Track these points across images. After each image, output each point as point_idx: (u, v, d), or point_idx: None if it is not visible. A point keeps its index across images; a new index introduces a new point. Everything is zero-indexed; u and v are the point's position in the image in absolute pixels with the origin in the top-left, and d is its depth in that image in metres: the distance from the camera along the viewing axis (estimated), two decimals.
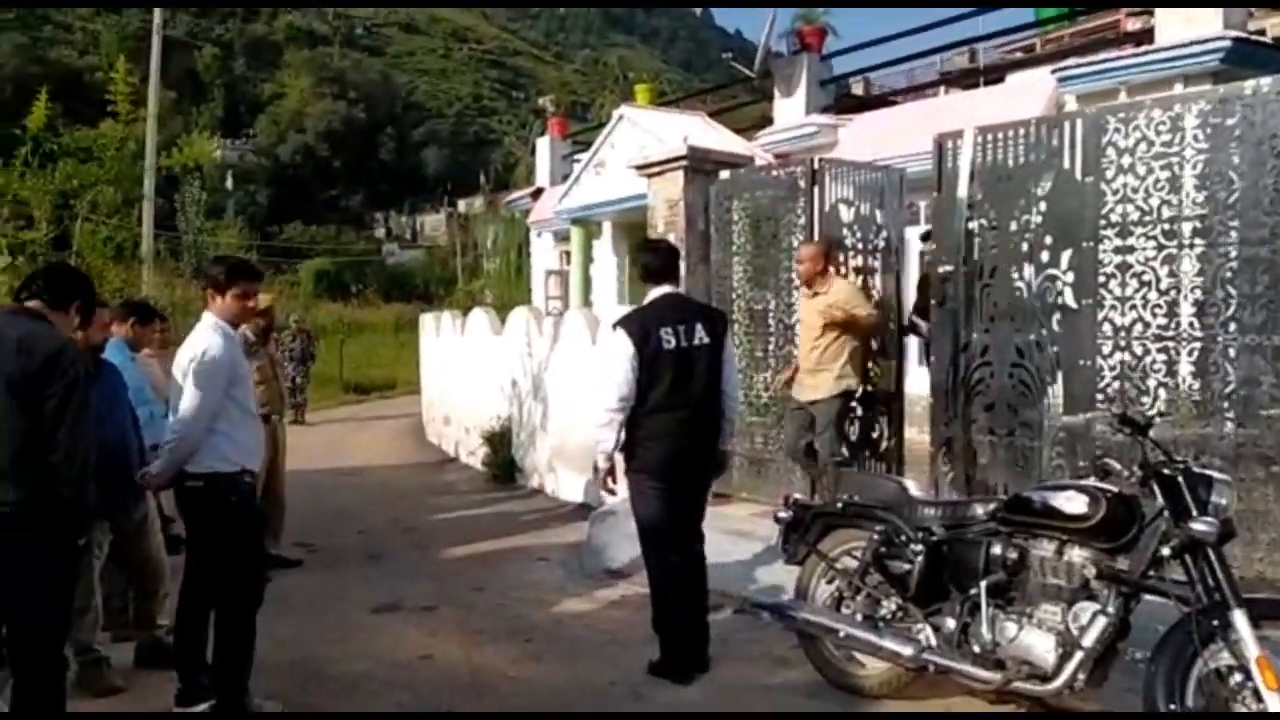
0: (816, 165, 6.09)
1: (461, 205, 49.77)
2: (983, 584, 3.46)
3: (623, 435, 4.26)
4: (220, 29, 71.01)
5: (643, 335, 4.18)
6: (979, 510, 3.65)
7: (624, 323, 4.30)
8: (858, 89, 14.39)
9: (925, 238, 5.97)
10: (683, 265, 6.66)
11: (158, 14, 12.56)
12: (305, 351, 15.80)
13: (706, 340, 4.29)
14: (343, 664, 4.54)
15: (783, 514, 4.21)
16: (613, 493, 4.43)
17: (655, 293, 4.42)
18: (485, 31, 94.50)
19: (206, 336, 3.80)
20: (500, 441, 9.58)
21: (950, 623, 3.57)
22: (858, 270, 6.24)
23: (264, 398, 6.40)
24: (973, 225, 5.07)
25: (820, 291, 5.66)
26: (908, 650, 3.59)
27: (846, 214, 6.17)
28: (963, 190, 5.05)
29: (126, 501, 4.19)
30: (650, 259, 4.50)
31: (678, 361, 4.22)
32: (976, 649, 3.46)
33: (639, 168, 6.98)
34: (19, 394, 2.99)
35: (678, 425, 4.24)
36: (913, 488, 3.95)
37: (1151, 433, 3.30)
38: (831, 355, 5.62)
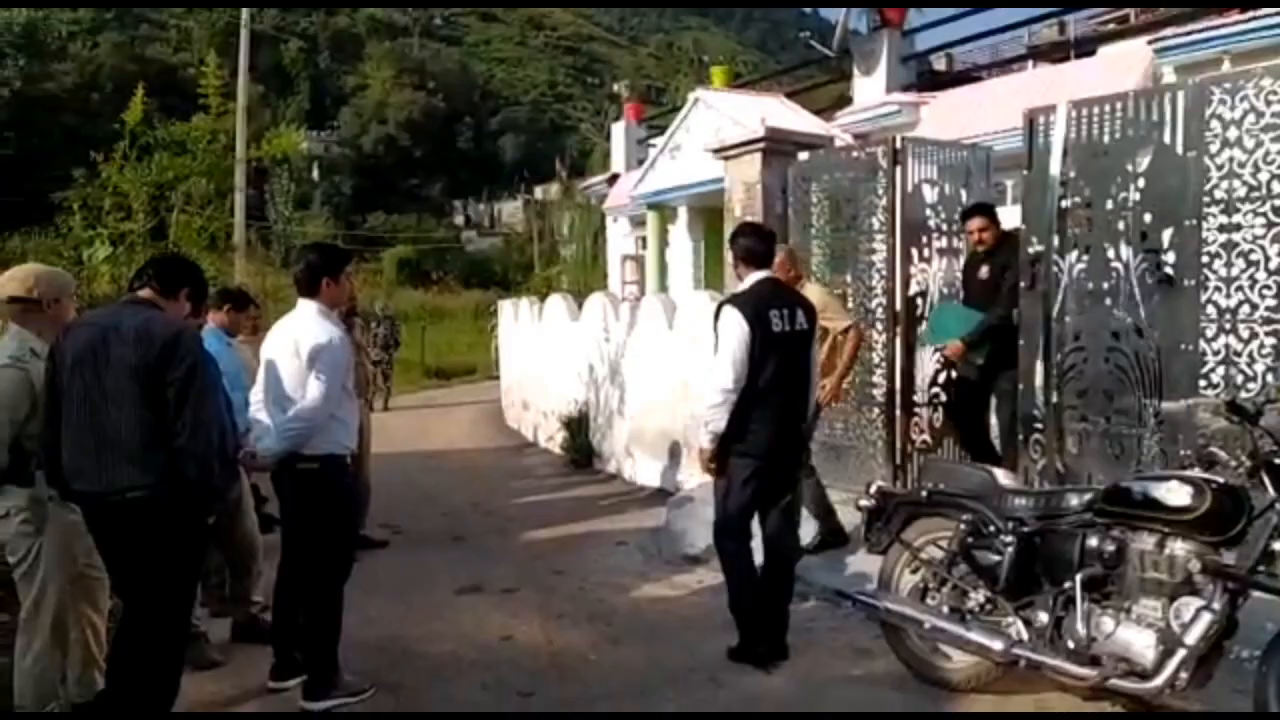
0: (899, 144, 5.94)
1: (538, 192, 50.12)
2: (1078, 577, 3.34)
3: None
4: (305, 22, 72.85)
5: (756, 316, 4.13)
6: (1074, 500, 3.52)
7: (736, 303, 4.20)
8: (939, 65, 14.00)
9: (967, 215, 5.67)
10: None
11: (245, 10, 12.94)
12: (390, 338, 15.73)
13: (805, 326, 4.30)
14: (428, 643, 4.64)
15: (865, 502, 4.13)
16: (717, 475, 4.28)
17: (756, 276, 4.33)
18: (560, 18, 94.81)
19: (325, 325, 3.87)
20: (578, 426, 9.65)
21: (1043, 616, 3.46)
22: (941, 252, 6.08)
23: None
24: (1065, 204, 4.88)
25: None
26: (997, 644, 3.49)
27: (930, 194, 6.01)
28: (1055, 168, 4.86)
29: (225, 482, 4.32)
30: (754, 243, 4.41)
31: (784, 345, 4.21)
32: (1071, 644, 3.34)
33: (715, 151, 6.92)
34: (141, 382, 3.08)
35: (780, 410, 4.25)
36: (1002, 477, 3.83)
37: (1262, 421, 3.13)
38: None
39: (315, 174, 54.23)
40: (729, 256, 6.48)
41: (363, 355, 7.00)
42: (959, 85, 11.02)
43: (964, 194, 6.06)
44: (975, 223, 5.54)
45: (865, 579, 4.57)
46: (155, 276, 3.40)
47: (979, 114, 8.74)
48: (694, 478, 7.05)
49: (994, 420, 5.72)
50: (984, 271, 5.57)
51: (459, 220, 64.81)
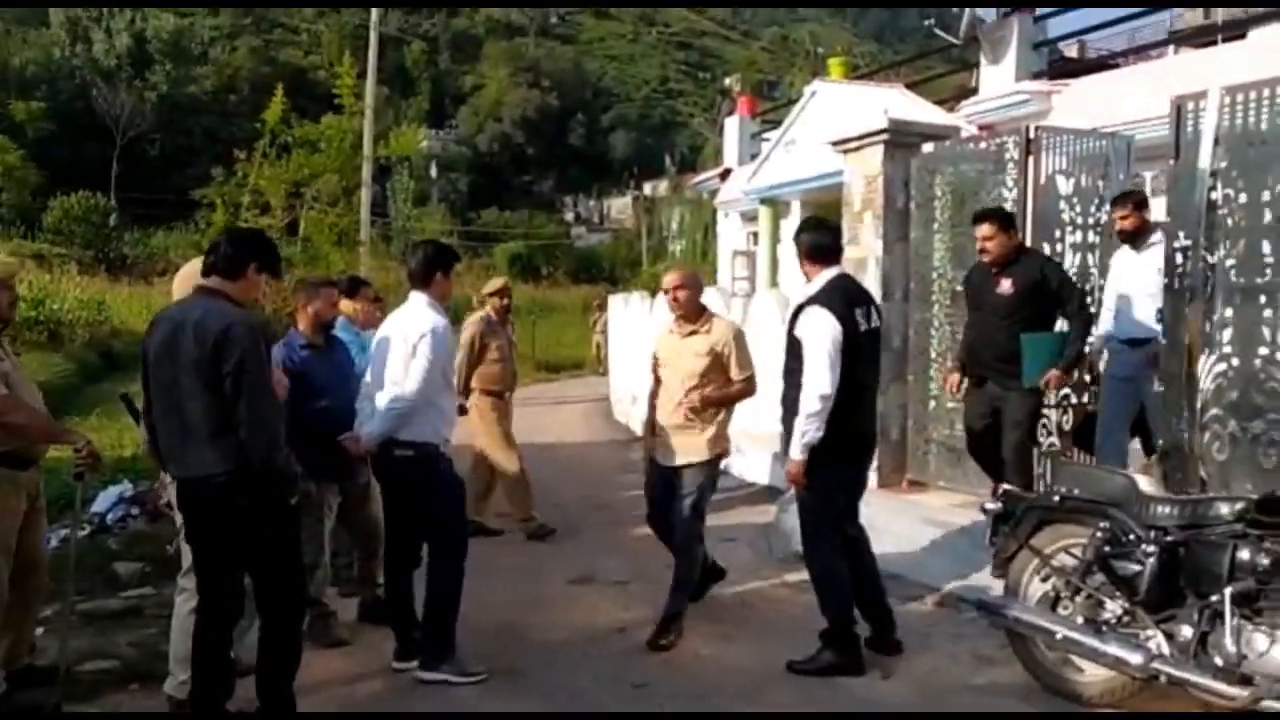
0: (1031, 133, 5.68)
1: (647, 188, 50.38)
2: (1227, 591, 3.13)
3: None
4: (428, 24, 75.15)
5: (844, 315, 4.01)
6: (1224, 510, 3.30)
7: (824, 303, 4.03)
8: (1071, 53, 13.35)
9: (975, 220, 5.24)
10: (880, 244, 6.45)
11: (374, 13, 13.43)
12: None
13: (878, 324, 4.23)
14: (543, 632, 4.72)
15: (991, 505, 3.98)
16: (810, 489, 4.10)
17: (830, 273, 4.16)
18: (673, 14, 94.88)
19: (430, 315, 4.03)
20: None
21: (1187, 631, 3.26)
22: (1075, 248, 5.79)
23: (500, 375, 6.76)
24: (1215, 196, 4.57)
25: (698, 330, 4.68)
26: (1136, 658, 3.31)
27: (1065, 186, 5.73)
28: (1205, 159, 4.54)
29: (353, 467, 4.49)
30: (822, 237, 4.26)
31: (869, 344, 4.12)
32: (1218, 661, 3.14)
33: (835, 143, 6.77)
34: (202, 376, 3.17)
35: (868, 409, 4.21)
36: (1143, 483, 3.63)
37: None
38: (710, 412, 4.63)
39: (433, 172, 55.87)
40: (849, 252, 6.38)
41: (513, 350, 7.21)
42: (1093, 73, 10.48)
43: (1102, 185, 5.76)
44: (982, 230, 5.07)
45: (985, 585, 4.40)
46: (216, 263, 3.36)
47: (1117, 102, 8.29)
48: None
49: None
50: (1005, 285, 5.04)
51: (569, 216, 65.70)
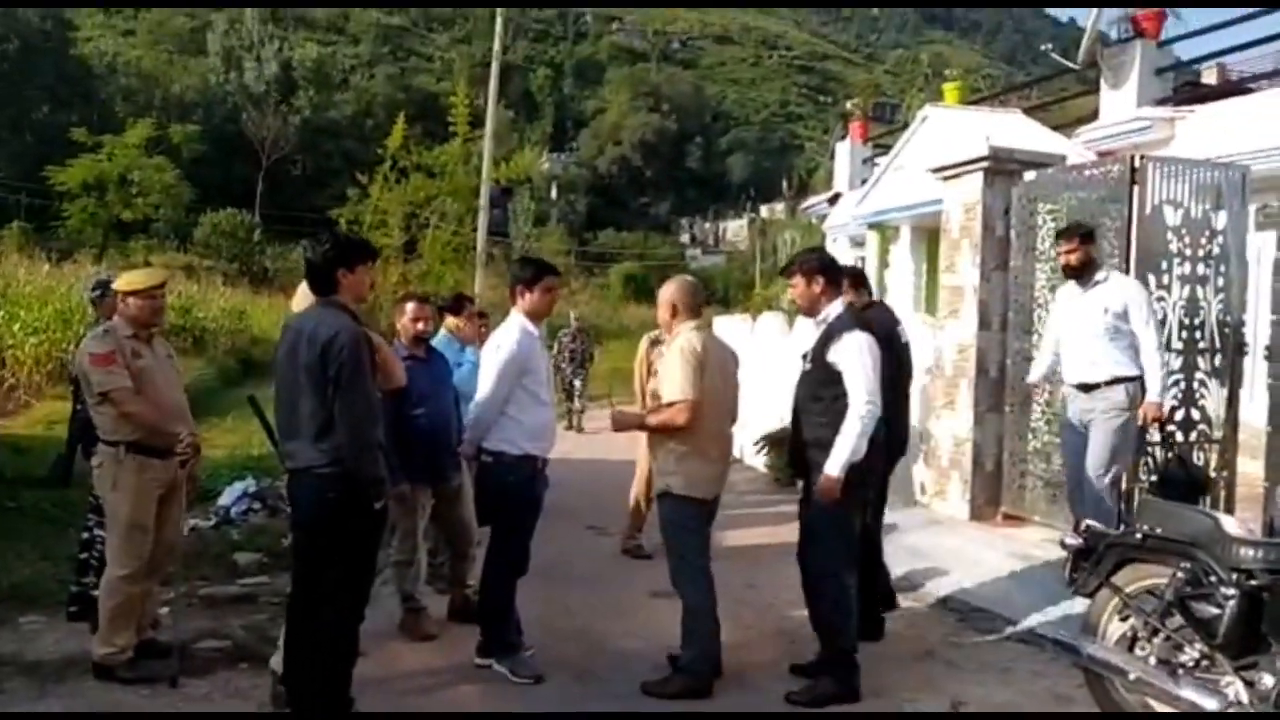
0: (1136, 163, 5.54)
1: (764, 211, 50.28)
2: None
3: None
4: (553, 51, 77.44)
5: (881, 339, 4.23)
6: None
7: (863, 327, 4.14)
8: (1209, 77, 12.73)
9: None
10: (977, 272, 6.38)
11: (498, 41, 14.01)
12: (584, 352, 14.44)
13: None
14: (619, 639, 4.87)
15: (1071, 540, 3.90)
16: (835, 507, 4.08)
17: (842, 301, 4.28)
18: (795, 38, 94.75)
19: (508, 331, 4.30)
20: (782, 444, 9.62)
21: (1268, 680, 3.14)
22: (1183, 280, 5.59)
23: None
24: None
25: (665, 345, 4.58)
26: (1211, 704, 3.21)
27: (1173, 217, 5.55)
28: None
29: (447, 470, 4.78)
30: (839, 269, 4.44)
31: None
32: None
33: (935, 170, 6.74)
34: (312, 379, 3.50)
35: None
36: (1228, 524, 3.50)
37: None
38: (657, 439, 4.27)
39: (554, 193, 57.34)
40: (945, 279, 6.33)
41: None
42: (1222, 99, 10.01)
43: (1214, 217, 5.55)
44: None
45: (1069, 623, 4.30)
46: (312, 287, 3.70)
47: (1246, 128, 7.91)
48: (893, 503, 6.90)
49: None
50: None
51: (684, 238, 66.13)
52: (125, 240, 31.42)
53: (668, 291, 4.36)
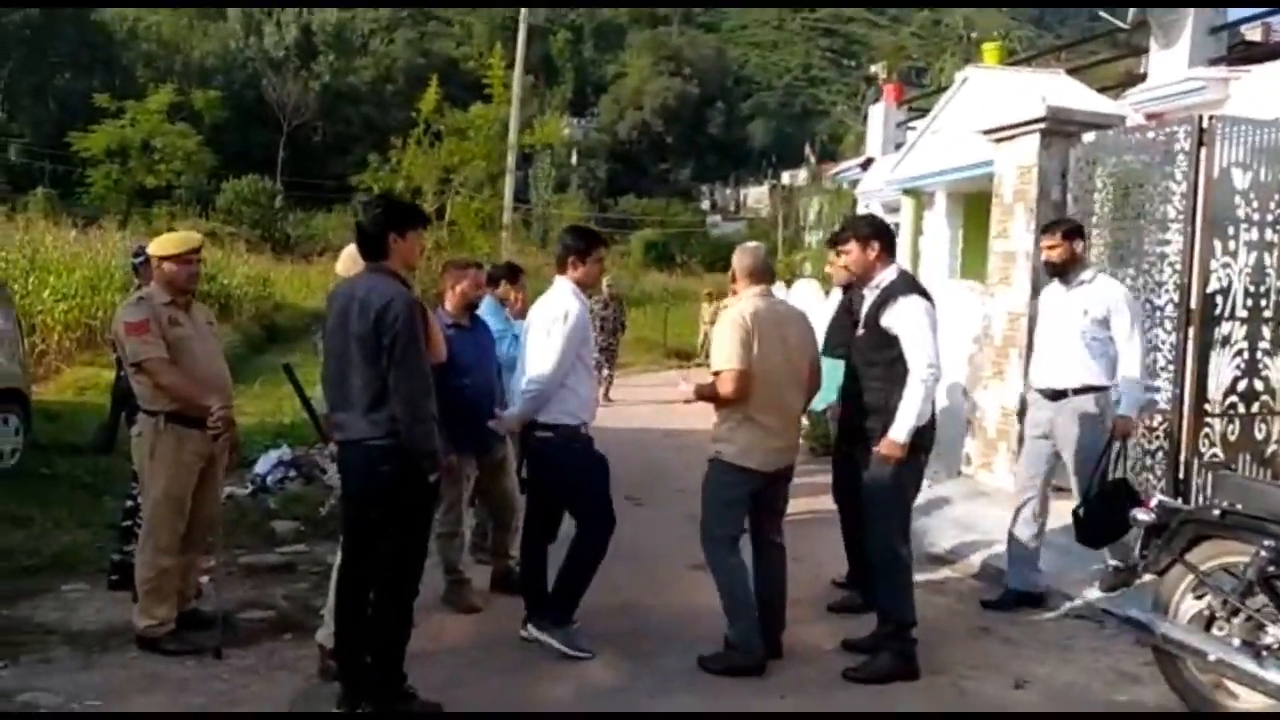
0: (1205, 123, 5.30)
1: (785, 177, 49.76)
2: None
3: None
4: (573, 15, 76.53)
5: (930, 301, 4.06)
6: None
7: (916, 289, 4.09)
8: (1254, 36, 12.31)
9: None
10: (1031, 238, 6.17)
11: (524, 9, 13.78)
12: (616, 320, 13.57)
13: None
14: (664, 613, 4.78)
15: (1143, 516, 3.76)
16: (891, 477, 4.02)
17: (895, 267, 4.19)
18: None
19: (567, 300, 4.12)
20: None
21: None
22: (1250, 246, 5.37)
23: None
24: None
25: None
26: None
27: (1241, 180, 5.32)
28: None
29: (490, 441, 4.67)
30: (893, 236, 4.33)
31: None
32: None
33: (987, 132, 6.52)
34: (365, 348, 3.34)
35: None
36: None
37: None
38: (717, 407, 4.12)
39: (574, 159, 56.99)
40: (996, 245, 6.13)
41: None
42: (1278, 58, 9.65)
43: None
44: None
45: (1134, 599, 4.17)
46: (362, 251, 3.53)
47: None
48: (938, 473, 6.77)
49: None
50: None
51: (705, 205, 65.68)
52: (148, 207, 31.45)
53: (734, 260, 4.28)
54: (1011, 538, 4.86)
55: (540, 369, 4.04)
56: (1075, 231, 4.85)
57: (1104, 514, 4.47)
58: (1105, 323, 4.62)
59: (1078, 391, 4.67)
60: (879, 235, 4.20)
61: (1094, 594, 4.73)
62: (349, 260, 3.87)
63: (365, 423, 3.39)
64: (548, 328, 4.06)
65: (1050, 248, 4.79)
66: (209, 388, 4.12)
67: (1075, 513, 4.58)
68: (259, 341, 17.45)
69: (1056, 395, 4.76)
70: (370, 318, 3.32)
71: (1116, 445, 4.65)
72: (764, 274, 4.18)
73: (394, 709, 3.49)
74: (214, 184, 35.67)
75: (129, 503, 4.78)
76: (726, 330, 4.00)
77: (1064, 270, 4.78)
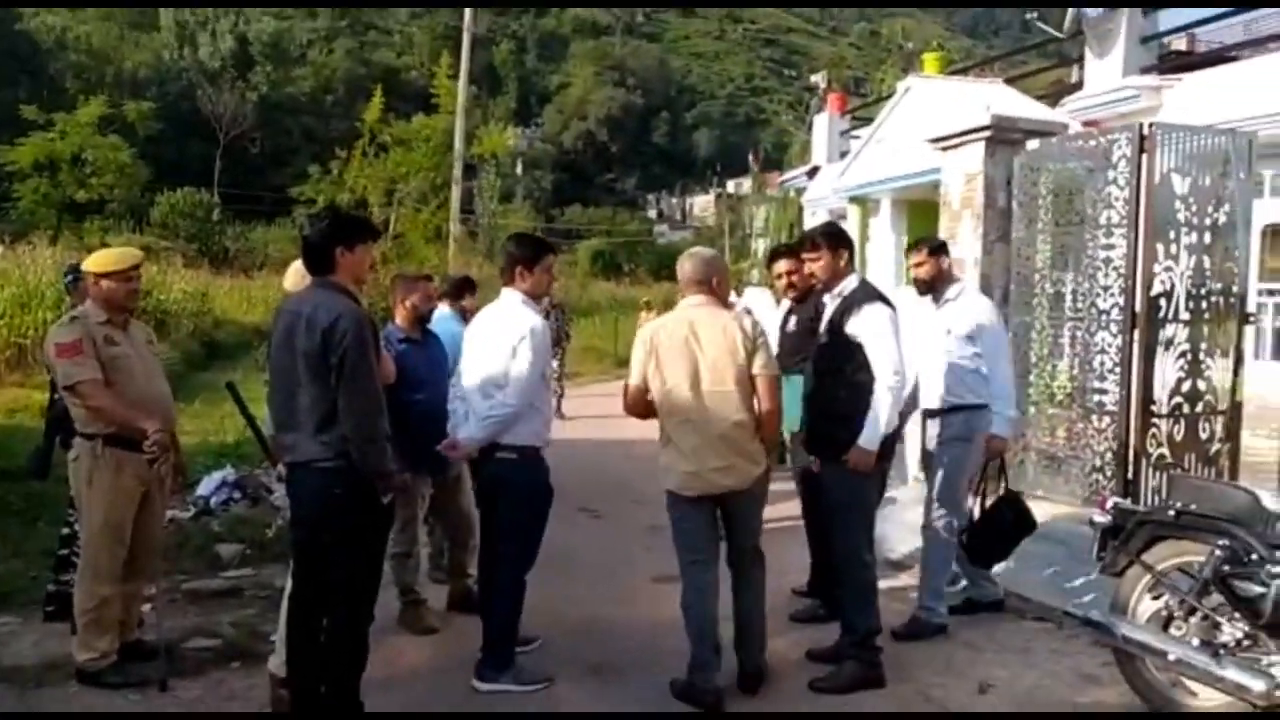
0: (1145, 130, 5.43)
1: (730, 186, 50.18)
2: None
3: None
4: (515, 25, 76.24)
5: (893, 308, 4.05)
6: None
7: (879, 296, 4.06)
8: (1180, 46, 12.71)
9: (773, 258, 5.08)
10: (979, 244, 6.26)
11: (467, 15, 13.62)
12: (560, 330, 12.39)
13: None
14: (627, 628, 4.71)
15: (1100, 518, 3.80)
16: (854, 483, 4.00)
17: (856, 275, 4.20)
18: (758, 11, 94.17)
19: (527, 315, 3.92)
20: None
21: None
22: (1191, 249, 5.51)
23: None
24: None
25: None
26: (1258, 685, 3.13)
27: (1180, 185, 5.46)
28: None
29: (444, 459, 4.55)
30: (851, 245, 4.27)
31: None
32: None
33: (935, 140, 6.60)
34: (312, 366, 3.22)
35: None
36: (1268, 499, 3.42)
37: None
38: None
39: (519, 169, 56.70)
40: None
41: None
42: (1208, 67, 9.97)
43: (1223, 185, 5.47)
44: (781, 265, 4.93)
45: (1087, 600, 4.22)
46: (308, 265, 3.42)
47: (1236, 97, 7.85)
48: (892, 479, 6.80)
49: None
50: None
51: (651, 214, 65.87)
52: (80, 221, 30.46)
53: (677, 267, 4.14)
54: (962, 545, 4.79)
55: (510, 392, 3.84)
56: (941, 248, 4.80)
57: (987, 533, 4.53)
58: (973, 339, 4.56)
59: (945, 412, 4.62)
60: (848, 243, 4.21)
61: (1056, 599, 4.77)
62: (296, 275, 3.74)
63: (315, 444, 3.27)
64: (512, 346, 3.85)
65: (918, 265, 4.71)
66: (149, 409, 3.94)
67: (960, 538, 4.57)
68: (199, 359, 16.96)
69: (932, 414, 4.75)
70: (317, 335, 3.20)
71: (994, 464, 4.62)
72: (702, 282, 3.93)
73: None
74: (148, 197, 34.66)
75: (65, 530, 4.57)
76: (634, 346, 4.00)
77: (932, 287, 4.72)
